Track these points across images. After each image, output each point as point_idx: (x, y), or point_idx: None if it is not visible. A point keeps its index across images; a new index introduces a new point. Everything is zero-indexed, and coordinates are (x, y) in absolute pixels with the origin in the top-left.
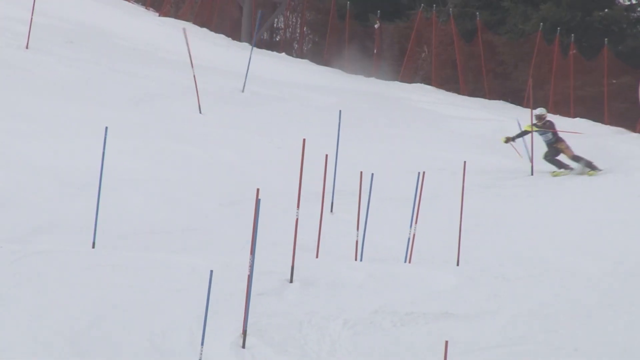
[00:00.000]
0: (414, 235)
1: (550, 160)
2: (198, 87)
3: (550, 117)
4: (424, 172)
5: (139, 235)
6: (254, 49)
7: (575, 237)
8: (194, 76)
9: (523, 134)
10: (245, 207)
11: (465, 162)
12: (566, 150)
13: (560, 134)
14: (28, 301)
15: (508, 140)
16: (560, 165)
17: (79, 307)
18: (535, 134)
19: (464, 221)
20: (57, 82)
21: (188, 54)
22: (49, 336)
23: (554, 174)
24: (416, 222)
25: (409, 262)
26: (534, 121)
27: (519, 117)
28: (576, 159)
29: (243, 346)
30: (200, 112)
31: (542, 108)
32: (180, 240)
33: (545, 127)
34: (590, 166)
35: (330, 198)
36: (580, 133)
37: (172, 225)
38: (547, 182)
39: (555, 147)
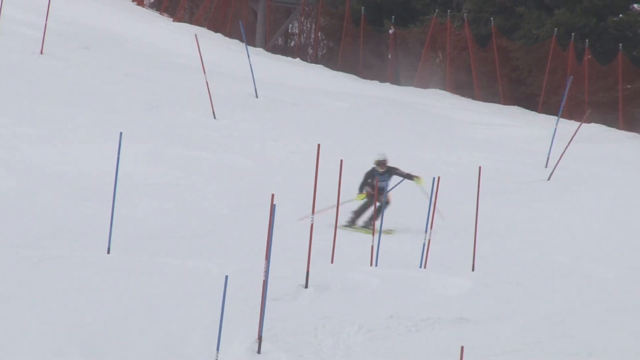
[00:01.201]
0: (429, 240)
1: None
2: (212, 92)
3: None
4: (439, 178)
5: (152, 240)
6: (268, 54)
7: (589, 242)
8: (207, 82)
9: (367, 177)
10: (259, 212)
11: (480, 167)
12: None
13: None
14: (42, 306)
15: (363, 196)
16: (354, 222)
17: (92, 312)
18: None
19: (478, 226)
20: (71, 88)
21: (200, 60)
22: (62, 342)
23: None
24: (431, 228)
25: (424, 267)
26: (375, 166)
27: (532, 122)
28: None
29: (258, 351)
30: (214, 118)
31: (382, 153)
32: (193, 245)
33: (387, 172)
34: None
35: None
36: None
37: (185, 231)
38: (561, 188)
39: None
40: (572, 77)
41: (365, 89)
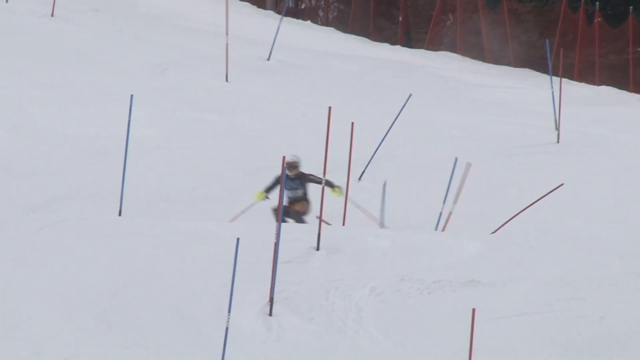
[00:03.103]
0: (450, 212)
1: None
2: (223, 55)
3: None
4: (455, 160)
5: (163, 203)
6: (279, 17)
7: (601, 204)
8: (227, 44)
9: (276, 183)
10: (270, 175)
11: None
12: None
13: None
14: (52, 269)
15: (263, 195)
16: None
17: (103, 275)
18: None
19: (489, 189)
20: (81, 50)
21: (226, 23)
22: (72, 304)
23: None
24: (455, 202)
25: (443, 230)
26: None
27: (543, 84)
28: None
29: (270, 314)
30: (227, 81)
31: (294, 154)
32: (204, 208)
33: (298, 179)
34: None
35: (354, 167)
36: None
37: (196, 193)
38: (572, 150)
39: (292, 208)
40: (548, 40)
41: (375, 52)
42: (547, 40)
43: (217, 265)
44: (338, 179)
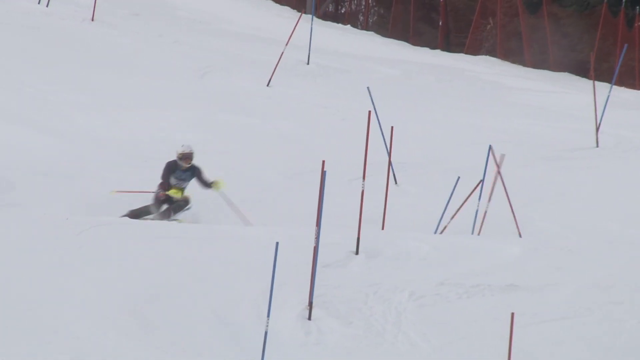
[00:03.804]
0: (485, 212)
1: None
2: (264, 59)
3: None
4: (489, 147)
5: (202, 206)
6: (320, 21)
7: (639, 209)
8: (283, 52)
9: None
10: (309, 178)
11: (490, 146)
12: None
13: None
14: (92, 274)
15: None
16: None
17: (143, 279)
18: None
19: (528, 193)
20: (121, 55)
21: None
22: (112, 308)
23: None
24: (489, 200)
25: (478, 234)
26: (178, 159)
27: (583, 89)
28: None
29: (309, 318)
30: (268, 85)
31: (188, 145)
32: (244, 212)
33: (190, 171)
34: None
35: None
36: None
37: (236, 197)
38: (611, 154)
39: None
40: (627, 45)
41: (416, 56)
42: (625, 45)
43: (257, 270)
44: (377, 182)
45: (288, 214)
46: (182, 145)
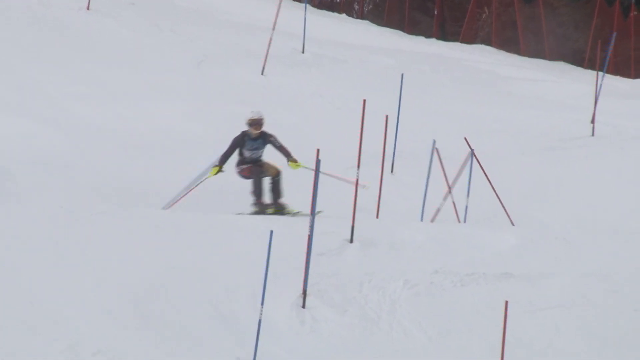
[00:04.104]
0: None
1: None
2: (259, 49)
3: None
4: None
5: (200, 196)
6: (314, 9)
7: (636, 198)
8: (270, 38)
9: (234, 148)
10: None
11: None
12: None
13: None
14: (89, 264)
15: (218, 171)
16: (260, 203)
17: (140, 269)
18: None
19: (523, 183)
20: (117, 44)
21: (274, 20)
22: (108, 297)
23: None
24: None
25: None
26: (247, 129)
27: (578, 78)
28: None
29: (303, 306)
30: (262, 74)
31: (257, 110)
32: (239, 201)
33: (262, 138)
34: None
35: (391, 159)
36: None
37: (231, 187)
38: (607, 143)
39: (260, 167)
40: (615, 33)
41: (411, 45)
42: (614, 33)
43: (252, 258)
44: (372, 171)
45: (283, 202)
46: (252, 111)
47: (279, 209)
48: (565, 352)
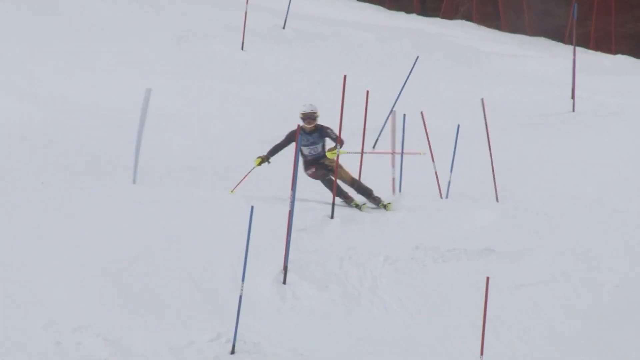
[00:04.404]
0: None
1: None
2: (238, 24)
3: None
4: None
5: (180, 172)
6: None
7: (618, 174)
8: (245, 12)
9: (289, 141)
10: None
11: (482, 99)
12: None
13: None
14: (69, 239)
15: (263, 161)
16: (344, 194)
17: (120, 244)
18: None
19: (505, 159)
20: (97, 21)
21: None
22: (88, 273)
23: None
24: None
25: (446, 197)
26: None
27: (559, 53)
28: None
29: (284, 282)
30: (242, 49)
31: (310, 103)
32: (220, 177)
33: (317, 132)
34: (372, 198)
35: (373, 135)
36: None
37: (212, 162)
38: (589, 119)
39: (324, 165)
40: (576, 4)
41: (391, 21)
42: (575, 4)
43: (232, 234)
44: (353, 147)
45: (263, 179)
46: (304, 105)
47: (376, 203)
48: (546, 328)
